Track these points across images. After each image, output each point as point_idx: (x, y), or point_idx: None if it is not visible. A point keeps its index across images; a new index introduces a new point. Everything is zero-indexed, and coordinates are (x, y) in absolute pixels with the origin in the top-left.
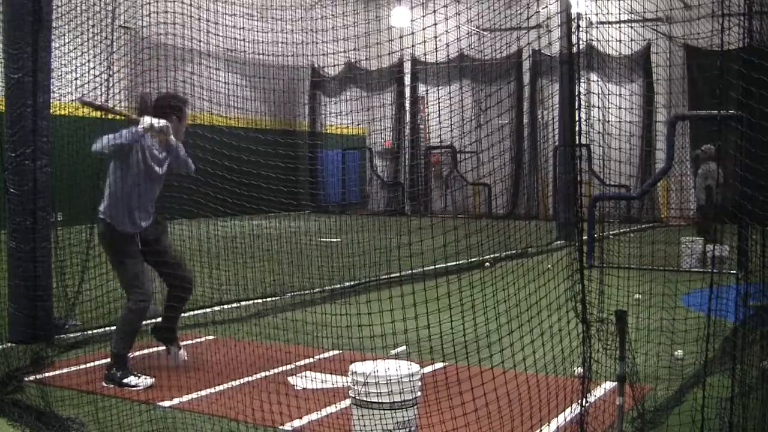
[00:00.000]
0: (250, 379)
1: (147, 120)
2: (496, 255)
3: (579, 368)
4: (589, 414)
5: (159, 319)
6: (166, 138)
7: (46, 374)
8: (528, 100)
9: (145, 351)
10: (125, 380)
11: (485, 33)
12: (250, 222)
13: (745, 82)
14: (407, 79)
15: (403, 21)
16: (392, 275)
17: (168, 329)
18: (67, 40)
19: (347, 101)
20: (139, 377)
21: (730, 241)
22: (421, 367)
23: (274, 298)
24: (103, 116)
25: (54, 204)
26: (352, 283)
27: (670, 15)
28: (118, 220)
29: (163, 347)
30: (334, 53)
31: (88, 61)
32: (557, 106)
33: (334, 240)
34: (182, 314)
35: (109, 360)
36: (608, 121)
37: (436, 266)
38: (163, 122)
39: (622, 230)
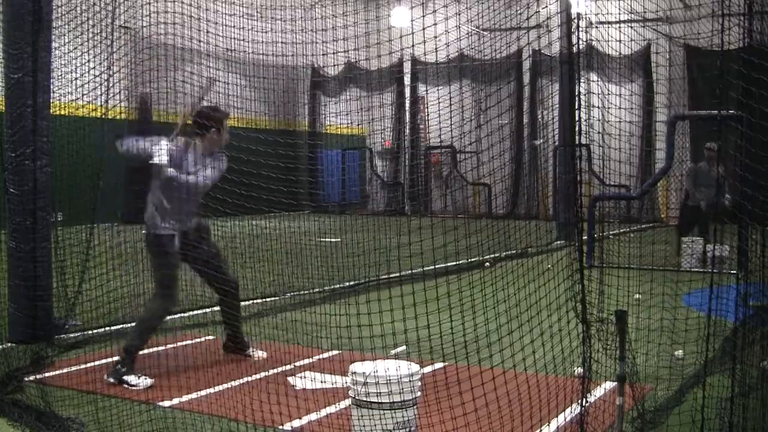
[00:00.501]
0: (250, 379)
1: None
2: (496, 255)
3: (579, 368)
4: (589, 414)
5: (225, 337)
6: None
7: (46, 374)
8: (528, 100)
9: (145, 351)
10: (126, 377)
11: (485, 33)
12: (249, 222)
13: (745, 82)
14: (407, 79)
15: (403, 21)
16: (392, 275)
17: (235, 341)
18: (67, 40)
19: (347, 101)
20: (139, 377)
21: (730, 241)
22: (421, 367)
23: (273, 298)
24: (104, 116)
25: (54, 204)
26: (352, 283)
27: (670, 15)
28: (156, 225)
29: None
30: (334, 53)
31: (89, 61)
32: (557, 106)
33: (334, 240)
34: (184, 314)
35: (117, 357)
36: (608, 121)
37: (436, 266)
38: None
39: (622, 230)
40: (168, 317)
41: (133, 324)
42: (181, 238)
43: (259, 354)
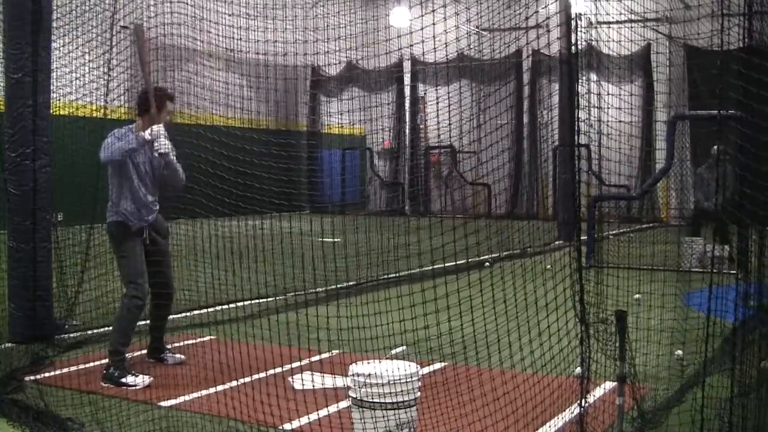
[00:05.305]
0: (250, 379)
1: (154, 130)
2: (496, 255)
3: (578, 368)
4: (589, 414)
5: (148, 340)
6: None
7: (46, 374)
8: (528, 100)
9: (144, 351)
10: (123, 380)
11: (485, 33)
12: (249, 222)
13: (745, 82)
14: (407, 79)
15: (403, 21)
16: (392, 275)
17: (156, 347)
18: (67, 41)
19: (347, 101)
20: (137, 376)
21: (737, 242)
22: (421, 367)
23: (274, 299)
24: (105, 116)
25: (54, 204)
26: (352, 283)
27: (670, 15)
28: (125, 216)
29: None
30: (333, 53)
31: (90, 61)
32: (557, 106)
33: (332, 240)
34: (183, 314)
35: (107, 359)
36: (608, 121)
37: (435, 266)
38: (162, 131)
39: (622, 230)
40: (141, 312)
41: (112, 326)
42: (151, 228)
43: (179, 358)
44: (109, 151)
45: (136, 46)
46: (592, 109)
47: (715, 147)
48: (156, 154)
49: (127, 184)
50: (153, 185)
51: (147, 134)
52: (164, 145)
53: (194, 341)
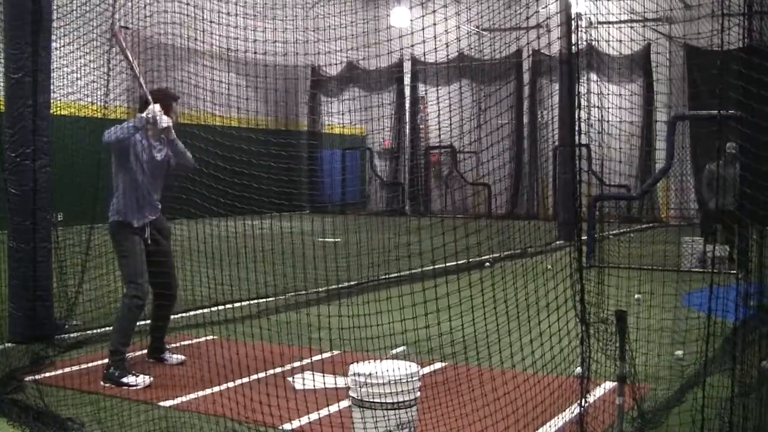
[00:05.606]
0: (249, 379)
1: (150, 108)
2: (497, 255)
3: (579, 368)
4: (589, 414)
5: (149, 340)
6: (162, 128)
7: (46, 374)
8: (528, 99)
9: (145, 351)
10: (123, 379)
11: (485, 33)
12: (249, 222)
13: (744, 81)
14: (407, 79)
15: (403, 21)
16: (392, 275)
17: (156, 347)
18: (67, 41)
19: (347, 101)
20: (137, 376)
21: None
22: (421, 367)
23: (274, 298)
24: (104, 116)
25: (54, 204)
26: (352, 282)
27: (670, 15)
28: (127, 215)
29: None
30: (333, 53)
31: (92, 61)
32: (557, 105)
33: (332, 240)
34: (183, 314)
35: (107, 359)
36: (608, 121)
37: (435, 266)
38: (158, 108)
39: (622, 230)
40: (142, 312)
41: (112, 326)
42: (151, 227)
43: (178, 358)
44: (111, 132)
45: (118, 47)
46: (592, 109)
47: (732, 144)
48: (160, 126)
49: (128, 178)
50: (155, 181)
51: (145, 114)
52: (165, 120)
53: (194, 341)
